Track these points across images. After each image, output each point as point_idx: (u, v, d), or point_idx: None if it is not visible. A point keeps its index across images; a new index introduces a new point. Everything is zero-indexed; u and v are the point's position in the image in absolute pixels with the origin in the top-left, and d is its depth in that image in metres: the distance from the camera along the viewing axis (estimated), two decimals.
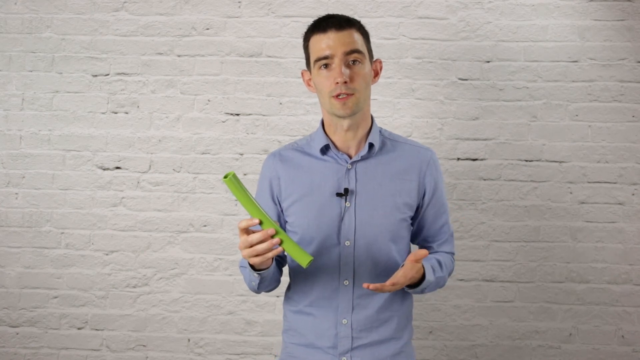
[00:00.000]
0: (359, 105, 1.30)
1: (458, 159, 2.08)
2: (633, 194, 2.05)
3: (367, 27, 2.09)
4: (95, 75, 2.14)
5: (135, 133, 2.13)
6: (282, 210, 1.40)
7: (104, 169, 2.13)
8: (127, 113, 2.14)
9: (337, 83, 1.26)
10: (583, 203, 2.06)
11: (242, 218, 2.08)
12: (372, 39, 2.06)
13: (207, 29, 2.13)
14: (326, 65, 1.28)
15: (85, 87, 2.14)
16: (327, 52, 1.27)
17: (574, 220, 2.06)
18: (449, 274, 1.42)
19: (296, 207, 1.35)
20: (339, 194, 1.32)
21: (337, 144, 1.37)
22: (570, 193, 2.06)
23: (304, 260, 1.20)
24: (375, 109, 2.08)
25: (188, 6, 2.13)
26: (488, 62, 2.09)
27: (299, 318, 1.36)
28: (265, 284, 1.34)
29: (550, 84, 2.07)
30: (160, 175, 2.12)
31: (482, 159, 2.08)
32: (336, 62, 1.27)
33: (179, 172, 2.12)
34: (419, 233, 1.44)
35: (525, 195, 2.07)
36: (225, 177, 1.16)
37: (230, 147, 2.11)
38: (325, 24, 1.29)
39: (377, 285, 1.21)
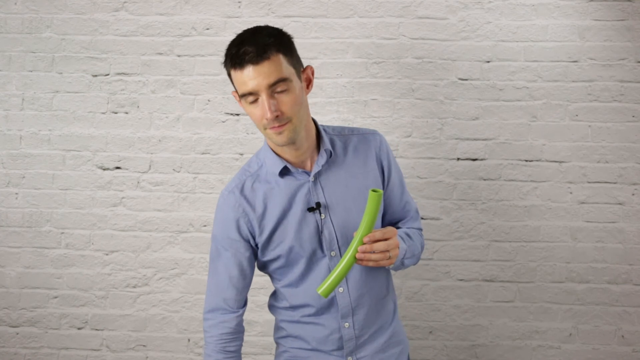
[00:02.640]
0: (296, 131, 1.24)
1: (458, 159, 2.08)
2: (633, 194, 2.05)
3: (367, 27, 2.10)
4: (95, 75, 2.14)
5: (135, 133, 2.13)
6: (257, 245, 1.35)
7: (104, 169, 2.13)
8: (127, 113, 2.14)
9: (267, 119, 1.20)
10: (583, 203, 2.06)
11: None
12: (372, 39, 2.08)
13: (207, 29, 2.13)
14: (253, 100, 1.21)
15: (85, 87, 2.14)
16: (249, 88, 1.19)
17: (574, 220, 2.06)
18: (422, 248, 1.42)
19: (275, 235, 1.32)
20: (310, 209, 1.30)
21: (291, 160, 1.32)
22: (570, 193, 2.06)
23: (325, 289, 1.21)
24: (375, 109, 2.08)
25: (188, 6, 2.13)
26: (488, 62, 2.09)
27: (299, 327, 1.36)
28: None
29: (550, 84, 2.07)
30: (160, 175, 2.12)
31: (482, 159, 2.08)
32: (262, 97, 1.19)
33: (179, 172, 2.12)
34: (384, 215, 1.42)
35: (525, 195, 2.07)
36: (376, 191, 1.18)
37: (230, 147, 2.11)
38: (241, 58, 1.18)
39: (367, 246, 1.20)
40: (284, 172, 1.32)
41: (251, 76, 1.18)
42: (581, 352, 2.04)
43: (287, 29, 2.10)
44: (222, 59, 1.27)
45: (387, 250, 1.21)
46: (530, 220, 2.06)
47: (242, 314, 1.38)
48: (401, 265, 1.33)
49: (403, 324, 2.05)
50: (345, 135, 1.38)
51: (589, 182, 2.06)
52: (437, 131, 2.09)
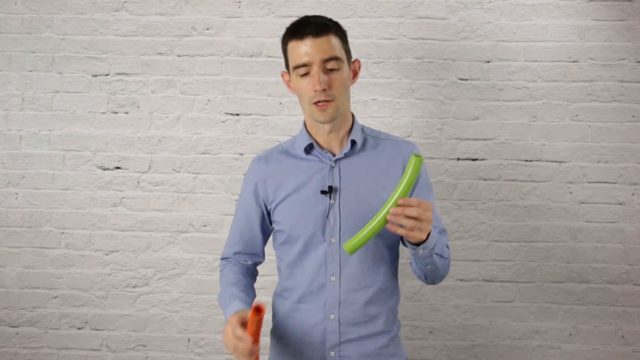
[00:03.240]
0: (338, 111, 1.32)
1: (458, 159, 2.08)
2: (633, 194, 2.05)
3: (367, 27, 2.10)
4: (95, 75, 2.14)
5: (135, 133, 2.13)
6: (267, 213, 1.43)
7: (104, 169, 2.13)
8: (127, 113, 2.14)
9: (316, 91, 1.28)
10: (583, 203, 2.06)
11: None
12: (372, 39, 2.09)
13: (207, 29, 2.13)
14: (305, 72, 1.29)
15: (85, 87, 2.14)
16: (305, 60, 1.28)
17: (574, 220, 2.06)
18: (449, 260, 1.36)
19: (282, 207, 1.38)
20: (323, 192, 1.34)
21: (321, 143, 1.39)
22: (570, 193, 2.06)
23: (351, 245, 1.19)
24: (375, 109, 2.08)
25: (188, 6, 2.13)
26: (488, 62, 2.09)
27: (288, 315, 1.38)
28: None
29: (550, 84, 2.07)
30: (160, 175, 2.13)
31: (482, 159, 2.08)
32: (314, 70, 1.28)
33: (179, 172, 2.12)
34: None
35: (525, 195, 2.07)
36: (418, 156, 1.15)
37: (230, 147, 2.12)
38: (303, 30, 1.29)
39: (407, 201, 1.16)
40: (309, 150, 1.39)
41: (308, 48, 1.27)
42: (581, 352, 2.04)
43: None
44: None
45: (420, 220, 1.16)
46: (530, 220, 2.06)
47: (254, 265, 1.49)
48: (429, 257, 1.26)
49: (403, 324, 2.05)
50: (381, 138, 1.43)
51: (589, 182, 2.06)
52: (437, 131, 2.09)
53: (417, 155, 1.16)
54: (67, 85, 2.14)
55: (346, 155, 1.37)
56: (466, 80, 2.09)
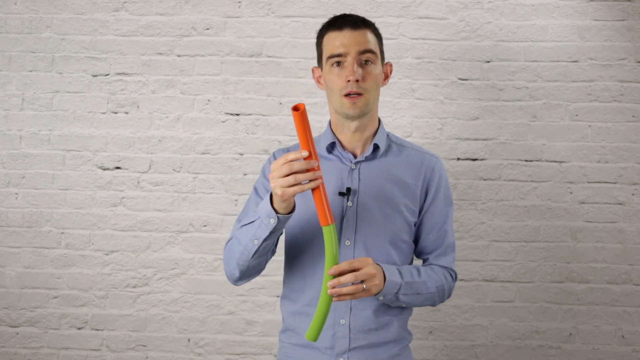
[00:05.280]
0: (368, 106, 1.31)
1: (458, 159, 2.08)
2: (633, 194, 2.05)
3: None
4: (95, 75, 2.14)
5: (135, 133, 2.13)
6: None
7: (104, 169, 2.13)
8: (127, 113, 2.14)
9: (349, 81, 1.27)
10: (583, 203, 2.06)
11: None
12: None
13: (207, 29, 2.13)
14: (339, 63, 1.29)
15: (85, 87, 2.14)
16: (340, 50, 1.28)
17: (574, 220, 2.06)
18: (440, 289, 1.35)
19: (298, 205, 1.33)
20: (341, 193, 1.32)
21: (344, 143, 1.38)
22: (570, 193, 2.06)
23: (309, 333, 1.18)
24: None
25: (188, 6, 2.13)
26: (488, 62, 2.09)
27: (297, 318, 1.35)
28: (268, 245, 1.26)
29: (550, 84, 2.07)
30: (160, 175, 2.13)
31: (482, 159, 2.08)
32: (349, 61, 1.28)
33: (179, 172, 2.12)
34: (417, 241, 1.42)
35: (525, 195, 2.07)
36: (327, 225, 1.15)
37: (230, 147, 2.12)
38: (342, 22, 1.30)
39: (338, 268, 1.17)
40: (331, 149, 1.38)
41: (346, 40, 1.28)
42: (581, 352, 2.04)
43: (287, 29, 2.12)
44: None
45: (361, 281, 1.17)
46: (530, 220, 2.06)
47: None
48: (396, 300, 1.28)
49: None
50: (405, 147, 1.42)
51: (589, 182, 2.06)
52: (437, 131, 2.09)
53: (326, 225, 1.16)
54: (67, 85, 2.14)
55: (367, 159, 1.36)
56: (466, 80, 2.09)
